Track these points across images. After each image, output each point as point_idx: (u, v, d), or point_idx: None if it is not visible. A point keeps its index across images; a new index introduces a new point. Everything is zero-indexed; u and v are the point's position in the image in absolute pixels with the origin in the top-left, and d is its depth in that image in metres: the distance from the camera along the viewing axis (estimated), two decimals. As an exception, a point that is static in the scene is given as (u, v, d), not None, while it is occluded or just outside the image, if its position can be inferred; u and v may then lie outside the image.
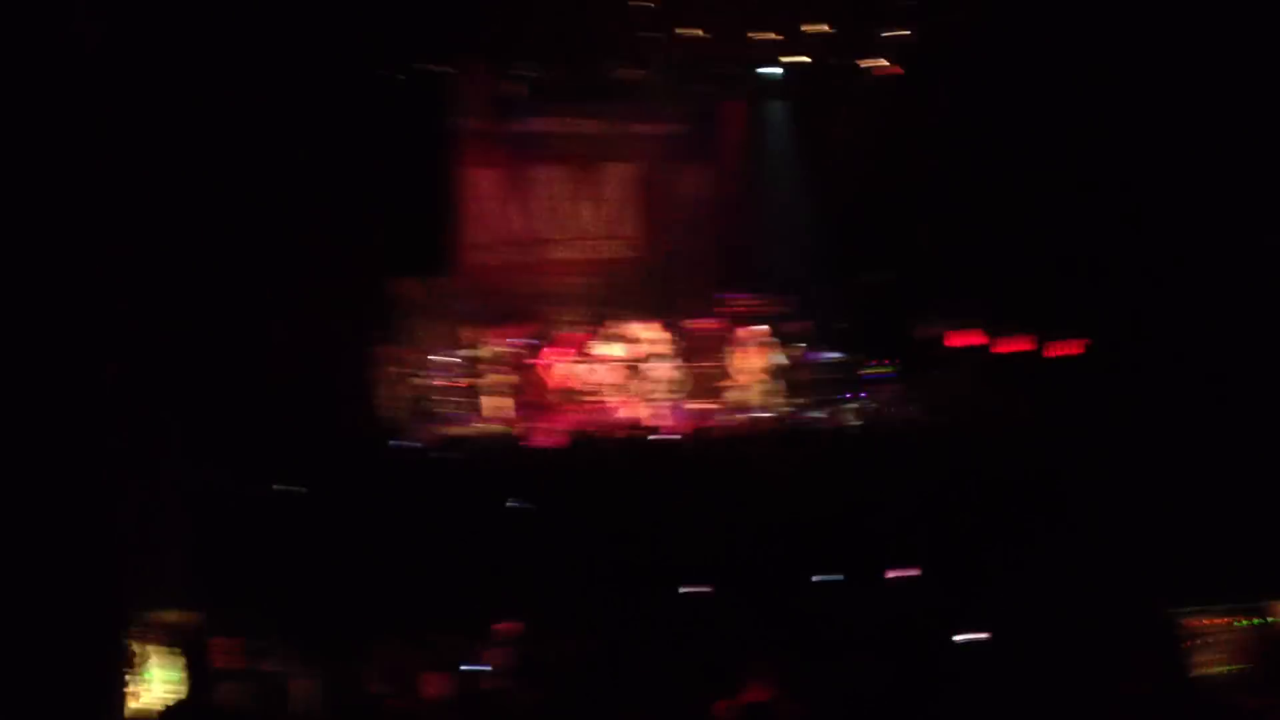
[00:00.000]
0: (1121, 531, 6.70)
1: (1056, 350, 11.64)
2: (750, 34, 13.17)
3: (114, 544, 4.18)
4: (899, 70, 13.75)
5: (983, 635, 5.79)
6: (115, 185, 4.23)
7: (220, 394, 8.39)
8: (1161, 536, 6.51)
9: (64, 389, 3.86)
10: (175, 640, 5.31)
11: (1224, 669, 4.67)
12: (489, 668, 5.78)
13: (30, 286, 3.81)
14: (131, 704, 4.72)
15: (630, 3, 11.73)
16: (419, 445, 9.62)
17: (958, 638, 5.73)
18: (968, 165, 12.74)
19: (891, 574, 6.75)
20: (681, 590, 6.56)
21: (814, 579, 6.72)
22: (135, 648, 4.91)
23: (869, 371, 13.48)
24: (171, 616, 5.60)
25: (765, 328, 12.78)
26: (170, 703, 4.97)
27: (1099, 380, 10.63)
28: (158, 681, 5.03)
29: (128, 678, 4.69)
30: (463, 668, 5.85)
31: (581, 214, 15.98)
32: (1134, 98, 10.61)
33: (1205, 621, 4.85)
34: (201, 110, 8.57)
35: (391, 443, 9.92)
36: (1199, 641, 4.77)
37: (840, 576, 6.75)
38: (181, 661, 4.90)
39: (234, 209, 9.69)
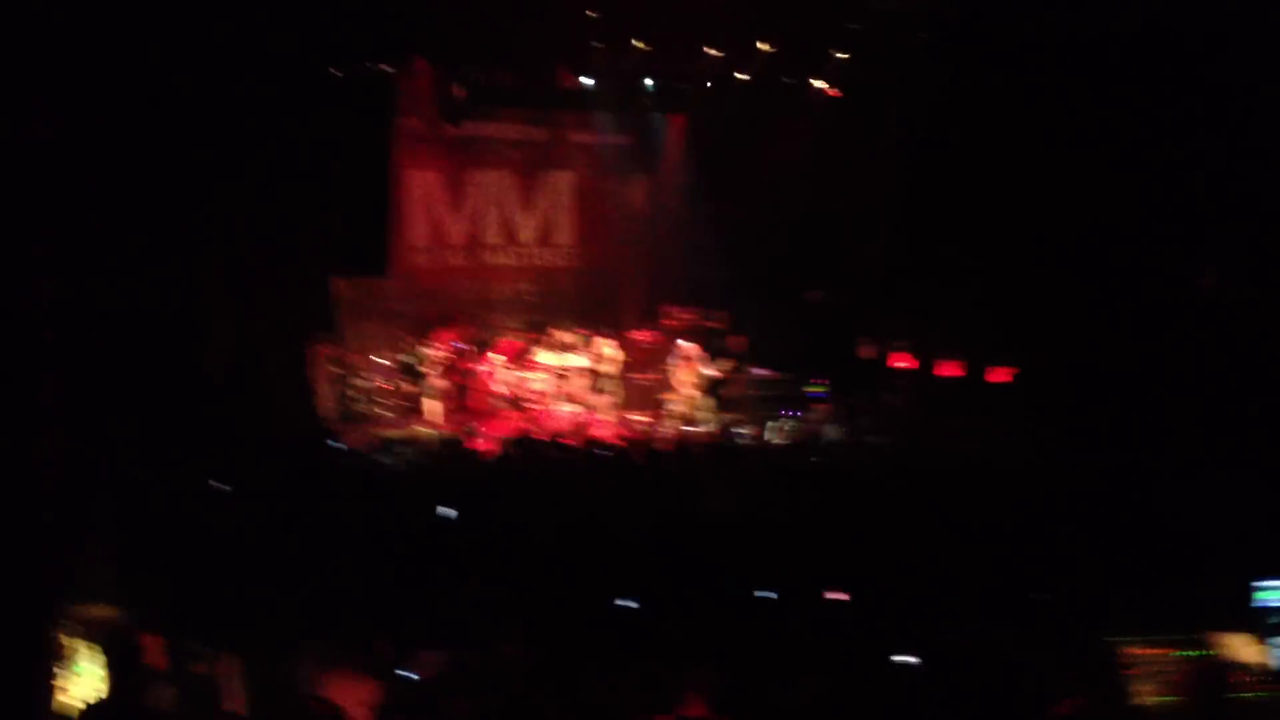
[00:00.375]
0: (1058, 558, 6.81)
1: (992, 375, 11.86)
2: (696, 50, 13.24)
3: (43, 538, 4.08)
4: (839, 93, 13.92)
5: (914, 658, 5.85)
6: (50, 181, 4.14)
7: (154, 390, 8.20)
8: (1099, 564, 6.63)
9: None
10: (101, 636, 5.18)
11: (1160, 699, 4.76)
12: (420, 675, 5.70)
13: None
14: (59, 698, 4.59)
15: (580, 12, 11.72)
16: (353, 447, 9.49)
17: (895, 658, 5.78)
18: (908, 188, 12.95)
19: (826, 593, 6.79)
20: (616, 603, 6.53)
21: (749, 595, 6.73)
22: (63, 641, 4.78)
23: (806, 390, 13.62)
24: (98, 611, 5.46)
25: (702, 342, 12.81)
26: (95, 699, 4.85)
27: (1035, 406, 10.84)
28: (84, 676, 4.90)
29: (56, 671, 4.57)
30: (395, 673, 5.78)
31: (521, 220, 15.96)
32: (1073, 124, 10.86)
33: (1143, 651, 4.94)
34: (142, 106, 8.38)
35: (326, 443, 9.76)
36: (1136, 670, 4.86)
37: (774, 594, 6.78)
38: (107, 658, 4.77)
39: (173, 205, 9.50)
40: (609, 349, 14.45)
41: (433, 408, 13.36)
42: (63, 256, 5.23)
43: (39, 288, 4.18)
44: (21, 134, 3.91)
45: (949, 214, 12.24)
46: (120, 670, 4.61)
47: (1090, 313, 10.86)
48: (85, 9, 6.51)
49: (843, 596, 6.75)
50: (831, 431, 10.89)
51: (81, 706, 4.71)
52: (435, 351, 13.85)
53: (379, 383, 13.21)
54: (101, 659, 5.16)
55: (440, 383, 13.58)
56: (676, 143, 15.86)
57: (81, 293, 6.60)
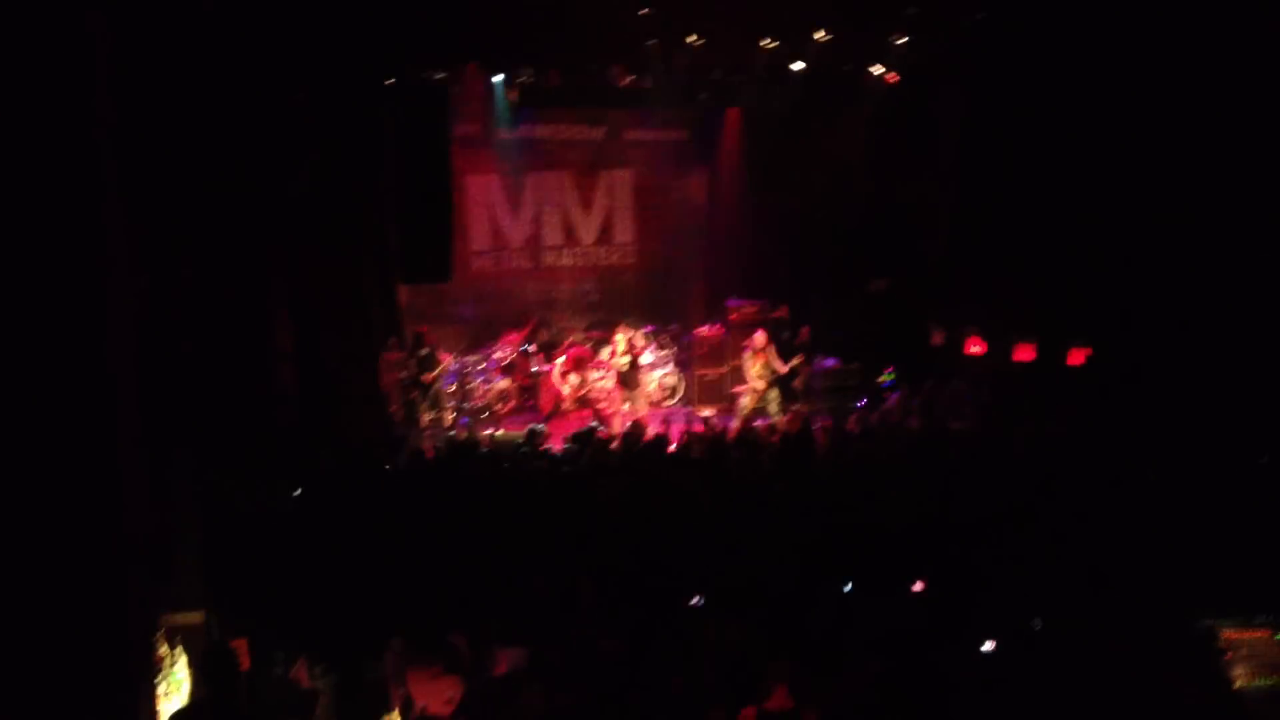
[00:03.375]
0: (1152, 542, 6.63)
1: (1068, 359, 11.63)
2: (750, 41, 13.14)
3: (133, 549, 4.13)
4: (899, 78, 13.75)
5: (991, 645, 5.76)
6: (124, 193, 4.18)
7: (231, 400, 8.33)
8: (1196, 547, 6.42)
9: (77, 399, 3.83)
10: (193, 642, 5.26)
11: (1258, 681, 4.62)
12: (504, 673, 5.72)
13: (41, 296, 3.77)
14: (158, 705, 4.67)
15: (632, 9, 11.69)
16: (426, 450, 9.55)
17: (986, 647, 5.69)
18: (974, 171, 12.76)
19: (905, 583, 6.70)
20: (694, 599, 6.49)
21: (828, 588, 6.66)
22: (161, 650, 4.87)
23: (874, 379, 13.48)
24: (184, 618, 5.55)
25: (768, 334, 12.70)
26: (183, 704, 4.92)
27: (1117, 388, 10.61)
28: (172, 681, 4.98)
29: (155, 679, 4.65)
30: (475, 670, 5.81)
31: (581, 220, 15.98)
32: (1142, 104, 10.62)
33: (1241, 634, 4.81)
34: (210, 119, 8.52)
35: (398, 448, 9.84)
36: (1236, 653, 4.72)
37: (851, 585, 6.70)
38: (202, 664, 4.84)
39: (242, 217, 9.66)
40: (672, 345, 14.44)
41: (500, 410, 13.47)
42: (138, 272, 5.30)
43: (128, 301, 4.23)
44: (94, 146, 3.96)
45: (1016, 195, 12.02)
46: (213, 675, 4.67)
47: (1168, 293, 10.63)
48: (151, 27, 6.61)
49: (919, 586, 6.66)
50: (907, 420, 10.71)
51: (179, 709, 4.80)
52: (500, 354, 13.94)
53: (447, 386, 13.30)
54: (186, 663, 5.25)
55: (506, 385, 13.67)
56: (734, 135, 15.77)
57: (165, 306, 6.73)
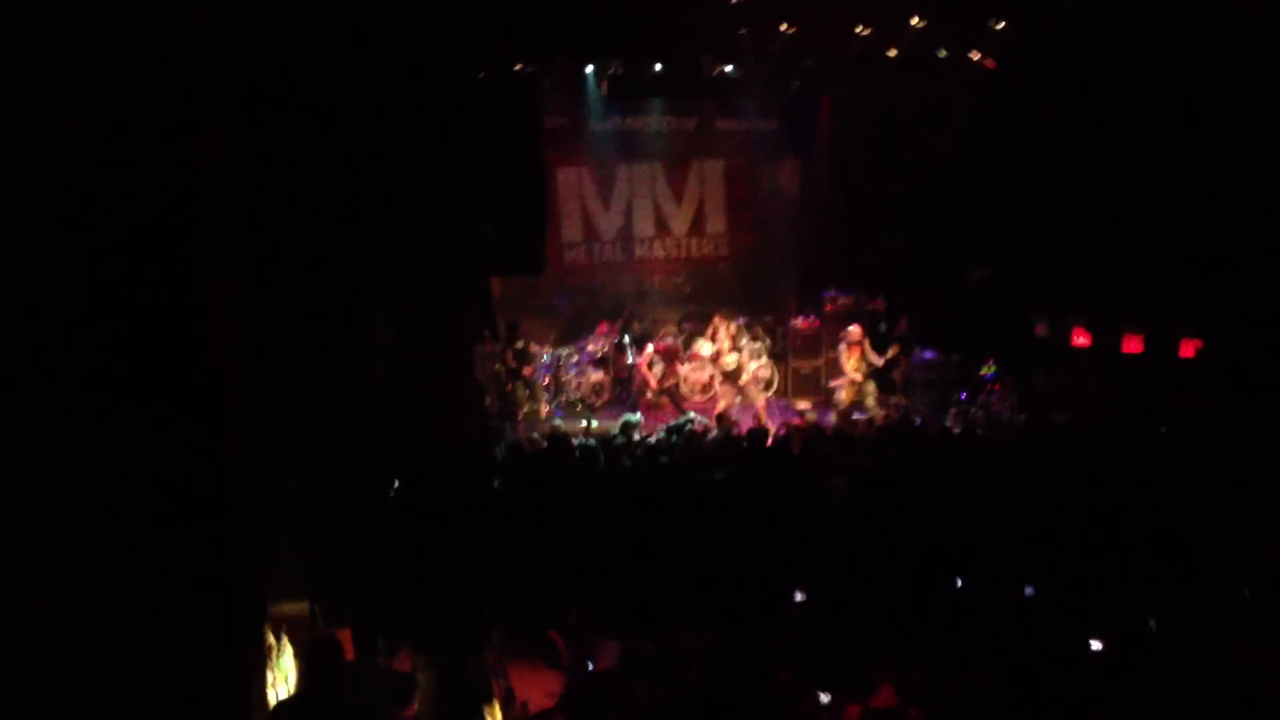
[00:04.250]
0: (1262, 540, 6.36)
1: (1179, 350, 11.23)
2: (844, 29, 12.93)
3: (242, 540, 4.18)
4: (995, 64, 13.41)
5: (1099, 645, 5.57)
6: (223, 194, 4.22)
7: (329, 394, 8.43)
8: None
9: (185, 391, 3.88)
10: (294, 632, 5.32)
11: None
12: (606, 667, 5.68)
13: (143, 292, 3.82)
14: (266, 694, 4.73)
15: (723, -1, 11.58)
16: (524, 442, 9.58)
17: (1094, 644, 5.51)
18: (1074, 159, 12.39)
19: (1015, 582, 6.51)
20: (795, 594, 6.39)
21: (937, 583, 6.51)
22: (268, 639, 4.93)
23: (976, 371, 13.18)
24: (289, 608, 5.61)
25: (864, 326, 12.51)
26: (293, 692, 4.97)
27: (1225, 381, 10.22)
28: (277, 671, 5.03)
29: (264, 669, 4.71)
30: (575, 663, 5.78)
31: (673, 211, 15.91)
32: (1249, 91, 10.21)
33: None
34: (304, 116, 8.61)
35: (495, 440, 9.89)
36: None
37: (960, 582, 6.54)
38: (308, 655, 4.88)
39: (335, 212, 9.75)
40: (766, 336, 14.29)
41: (595, 402, 13.48)
42: (251, 267, 5.39)
43: (228, 297, 4.28)
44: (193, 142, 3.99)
45: (1121, 181, 11.64)
46: (317, 665, 4.71)
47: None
48: (245, 21, 6.68)
49: (1034, 577, 6.48)
50: (1010, 413, 10.45)
51: (284, 699, 4.85)
52: (594, 346, 13.94)
53: (542, 378, 13.36)
54: (292, 653, 5.31)
55: (600, 377, 13.67)
56: (827, 124, 15.55)
57: (265, 302, 6.83)
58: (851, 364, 12.29)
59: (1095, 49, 11.78)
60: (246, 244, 5.66)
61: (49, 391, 3.64)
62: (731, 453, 9.15)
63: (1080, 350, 12.34)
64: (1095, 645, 5.58)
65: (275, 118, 7.53)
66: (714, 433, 9.78)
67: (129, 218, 3.74)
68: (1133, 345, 11.73)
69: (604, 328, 14.25)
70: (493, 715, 5.29)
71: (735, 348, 12.99)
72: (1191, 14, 10.43)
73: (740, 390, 12.96)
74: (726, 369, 12.80)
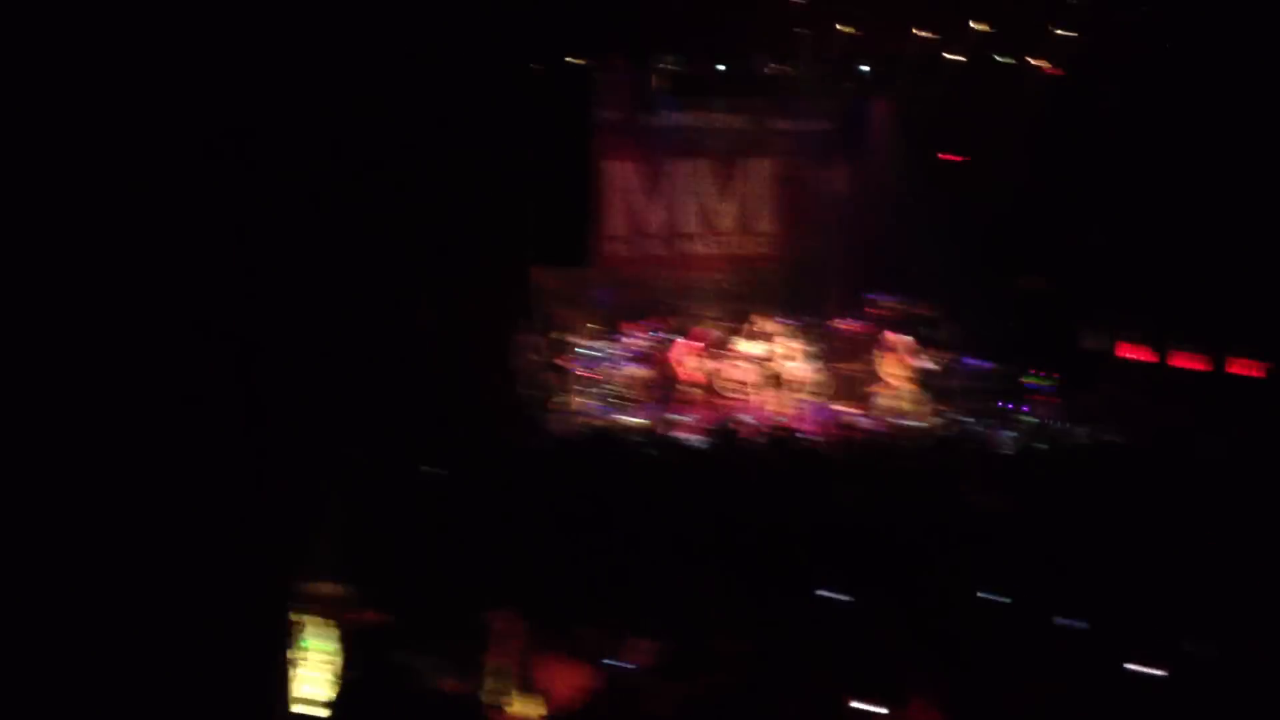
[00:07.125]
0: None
1: (1237, 369, 10.98)
2: (904, 31, 12.79)
3: (276, 520, 4.17)
4: (1060, 71, 13.20)
5: (1159, 671, 5.42)
6: (265, 172, 4.20)
7: (369, 377, 8.43)
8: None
9: (222, 371, 3.86)
10: (329, 612, 5.29)
11: None
12: (632, 665, 5.62)
13: (179, 270, 3.80)
14: (294, 674, 4.71)
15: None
16: (561, 433, 9.55)
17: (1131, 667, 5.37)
18: (1135, 169, 12.17)
19: (1061, 601, 6.37)
20: (830, 595, 6.29)
21: (971, 597, 6.38)
22: (294, 619, 4.91)
23: (1028, 382, 12.96)
24: (325, 589, 5.59)
25: (911, 332, 12.36)
26: (326, 674, 4.95)
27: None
28: (312, 652, 5.01)
29: (291, 652, 4.69)
30: (605, 662, 5.72)
31: (720, 209, 15.82)
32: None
33: None
34: (351, 102, 8.61)
35: (533, 430, 9.86)
36: None
37: (1005, 598, 6.41)
38: (336, 633, 4.87)
39: (383, 197, 9.76)
40: (812, 339, 14.15)
41: (634, 396, 13.40)
42: (290, 248, 5.37)
43: (266, 276, 4.26)
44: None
45: (1180, 194, 11.41)
46: (349, 646, 4.69)
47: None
48: (299, 12, 6.68)
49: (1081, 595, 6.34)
50: (1058, 427, 10.26)
51: (318, 681, 4.83)
52: (636, 341, 13.87)
53: (581, 371, 13.31)
54: (324, 634, 5.29)
55: (641, 372, 13.59)
56: (882, 127, 15.39)
57: (303, 283, 6.81)
58: (894, 370, 12.16)
59: (1164, 58, 11.56)
60: (289, 223, 5.66)
61: (85, 370, 3.62)
62: (772, 453, 9.06)
63: (1132, 364, 12.12)
64: (1153, 672, 5.44)
65: (329, 103, 7.52)
66: (750, 433, 9.69)
67: (171, 195, 3.73)
68: (1185, 360, 11.49)
69: (644, 321, 14.19)
70: (518, 707, 5.25)
71: (777, 348, 12.90)
72: (1270, 20, 10.20)
73: (779, 390, 12.85)
74: (769, 369, 12.70)
